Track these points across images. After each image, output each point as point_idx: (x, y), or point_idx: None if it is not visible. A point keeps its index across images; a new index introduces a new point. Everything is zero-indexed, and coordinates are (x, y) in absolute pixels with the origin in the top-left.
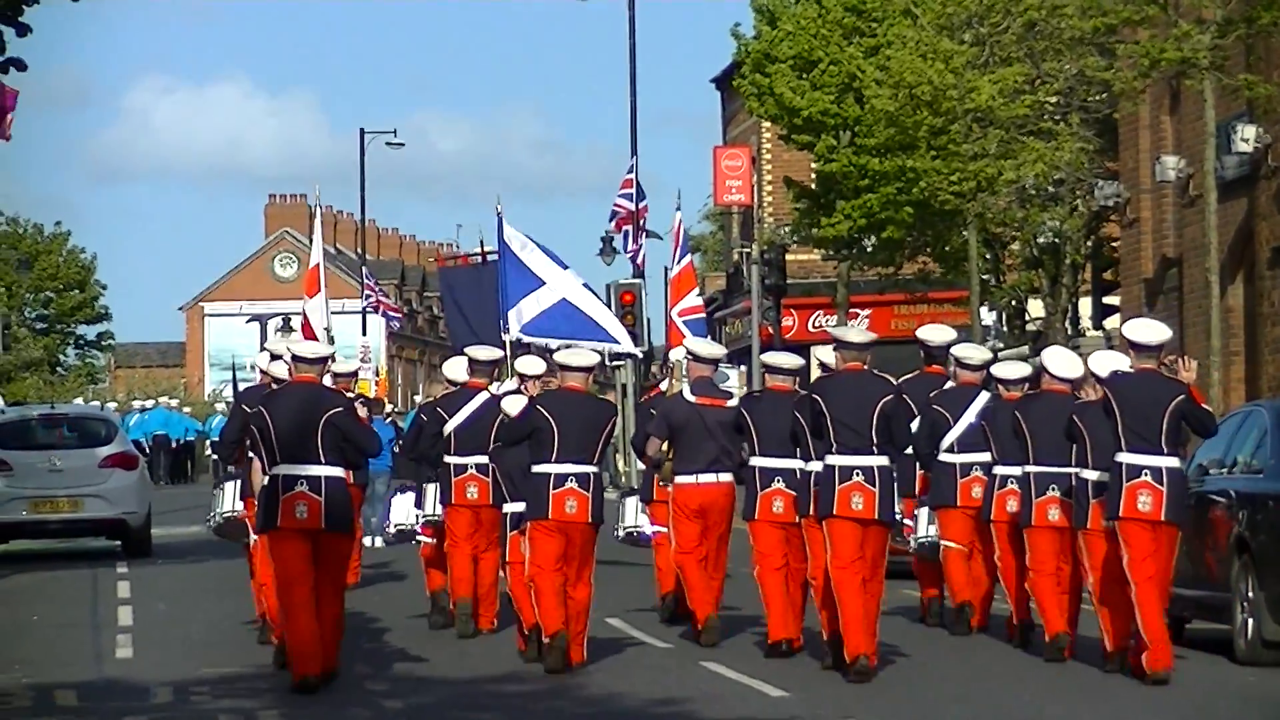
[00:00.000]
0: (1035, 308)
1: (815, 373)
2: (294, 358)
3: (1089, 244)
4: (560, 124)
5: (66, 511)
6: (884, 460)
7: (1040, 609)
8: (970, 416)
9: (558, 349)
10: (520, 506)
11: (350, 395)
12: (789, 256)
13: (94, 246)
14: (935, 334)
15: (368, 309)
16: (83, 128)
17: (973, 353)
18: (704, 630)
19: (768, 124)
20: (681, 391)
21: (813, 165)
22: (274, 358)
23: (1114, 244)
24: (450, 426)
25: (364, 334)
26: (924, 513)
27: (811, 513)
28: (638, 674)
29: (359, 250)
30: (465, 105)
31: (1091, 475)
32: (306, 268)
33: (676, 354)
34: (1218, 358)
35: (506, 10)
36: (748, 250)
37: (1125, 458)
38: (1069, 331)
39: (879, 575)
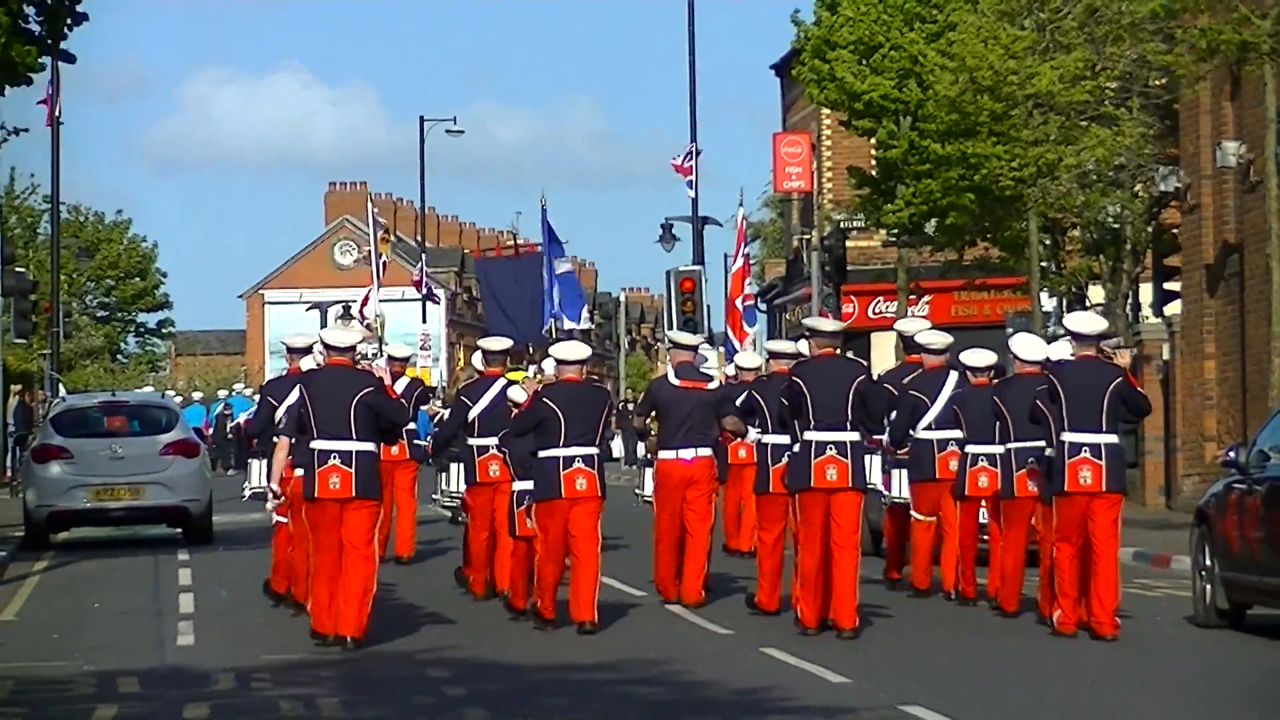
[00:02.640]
0: (1096, 294)
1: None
2: (325, 345)
3: (1149, 230)
4: (619, 113)
5: (128, 499)
6: (855, 436)
7: (1005, 578)
8: (944, 397)
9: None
10: (527, 485)
11: (412, 380)
12: (849, 243)
13: (154, 235)
14: (910, 325)
15: (426, 296)
16: (142, 118)
17: (936, 339)
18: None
19: (827, 111)
20: (666, 375)
21: (873, 151)
22: (303, 353)
23: (1175, 230)
24: (474, 413)
25: (424, 321)
26: (896, 474)
27: (775, 487)
28: (699, 660)
29: (418, 238)
30: (524, 95)
31: (1014, 447)
32: (373, 250)
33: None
34: (1279, 343)
35: (564, 1)
36: (808, 237)
37: (1068, 436)
38: (1129, 318)
39: (854, 542)
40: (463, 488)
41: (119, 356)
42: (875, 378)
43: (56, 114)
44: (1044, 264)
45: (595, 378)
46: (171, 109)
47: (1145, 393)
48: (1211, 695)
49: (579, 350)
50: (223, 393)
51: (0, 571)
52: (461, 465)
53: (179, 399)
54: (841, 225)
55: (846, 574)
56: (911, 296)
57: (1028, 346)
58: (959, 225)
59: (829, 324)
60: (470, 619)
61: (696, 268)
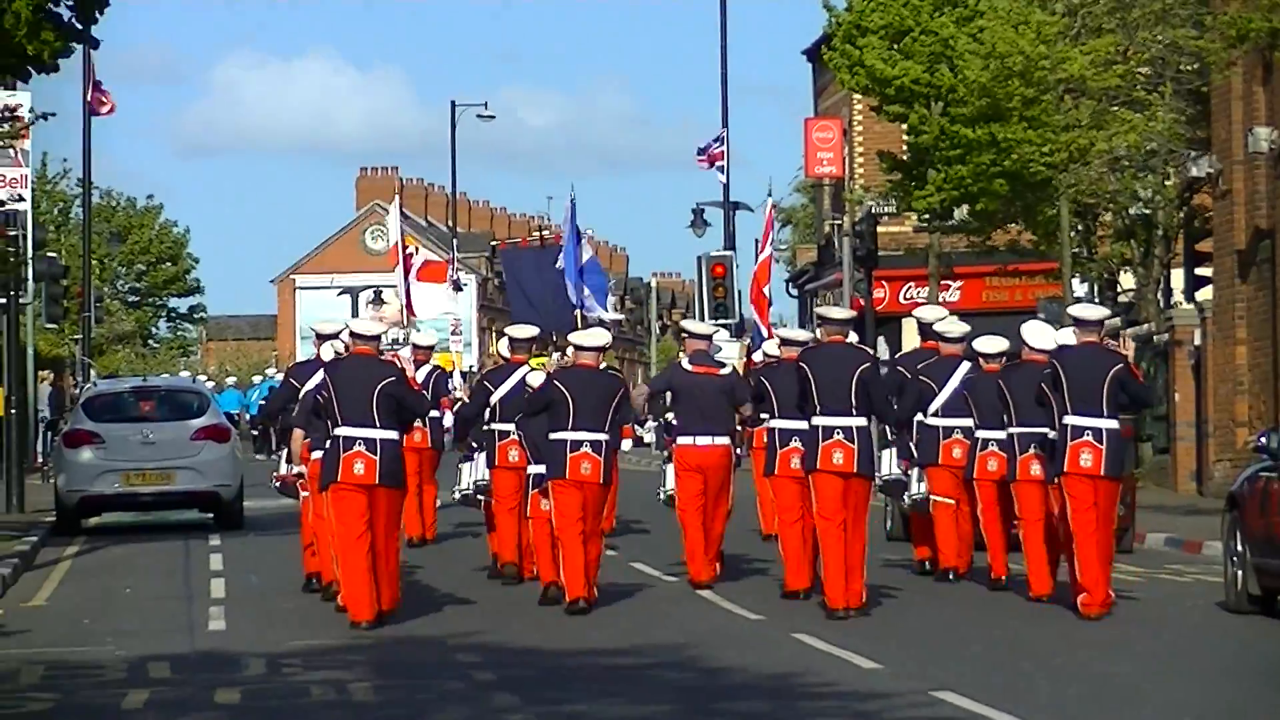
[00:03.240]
0: (1127, 280)
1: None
2: (352, 334)
3: (1181, 215)
4: (649, 98)
5: (159, 484)
6: (862, 421)
7: (1028, 559)
8: (953, 384)
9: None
10: (542, 469)
11: (434, 366)
12: (880, 229)
13: (186, 220)
14: (928, 313)
15: (457, 282)
16: (173, 103)
17: (952, 327)
18: (697, 583)
19: (859, 96)
20: (681, 361)
21: (904, 136)
22: (324, 338)
23: (1206, 215)
24: (496, 397)
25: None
26: (915, 472)
27: (783, 470)
28: (730, 646)
29: (450, 223)
30: (554, 80)
31: (1017, 431)
32: (401, 240)
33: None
34: None
35: None
36: (839, 222)
37: (1070, 420)
38: (1161, 304)
39: (861, 523)
40: (485, 475)
41: (150, 342)
42: (892, 359)
43: (94, 100)
44: (1076, 249)
45: (614, 368)
46: (202, 93)
47: (1146, 383)
48: (1243, 680)
49: (598, 337)
50: (257, 378)
51: (32, 556)
52: (482, 456)
53: (211, 384)
54: (873, 211)
55: (854, 555)
56: (944, 282)
57: (1037, 334)
58: (990, 210)
59: (838, 312)
60: (499, 604)
61: (728, 253)
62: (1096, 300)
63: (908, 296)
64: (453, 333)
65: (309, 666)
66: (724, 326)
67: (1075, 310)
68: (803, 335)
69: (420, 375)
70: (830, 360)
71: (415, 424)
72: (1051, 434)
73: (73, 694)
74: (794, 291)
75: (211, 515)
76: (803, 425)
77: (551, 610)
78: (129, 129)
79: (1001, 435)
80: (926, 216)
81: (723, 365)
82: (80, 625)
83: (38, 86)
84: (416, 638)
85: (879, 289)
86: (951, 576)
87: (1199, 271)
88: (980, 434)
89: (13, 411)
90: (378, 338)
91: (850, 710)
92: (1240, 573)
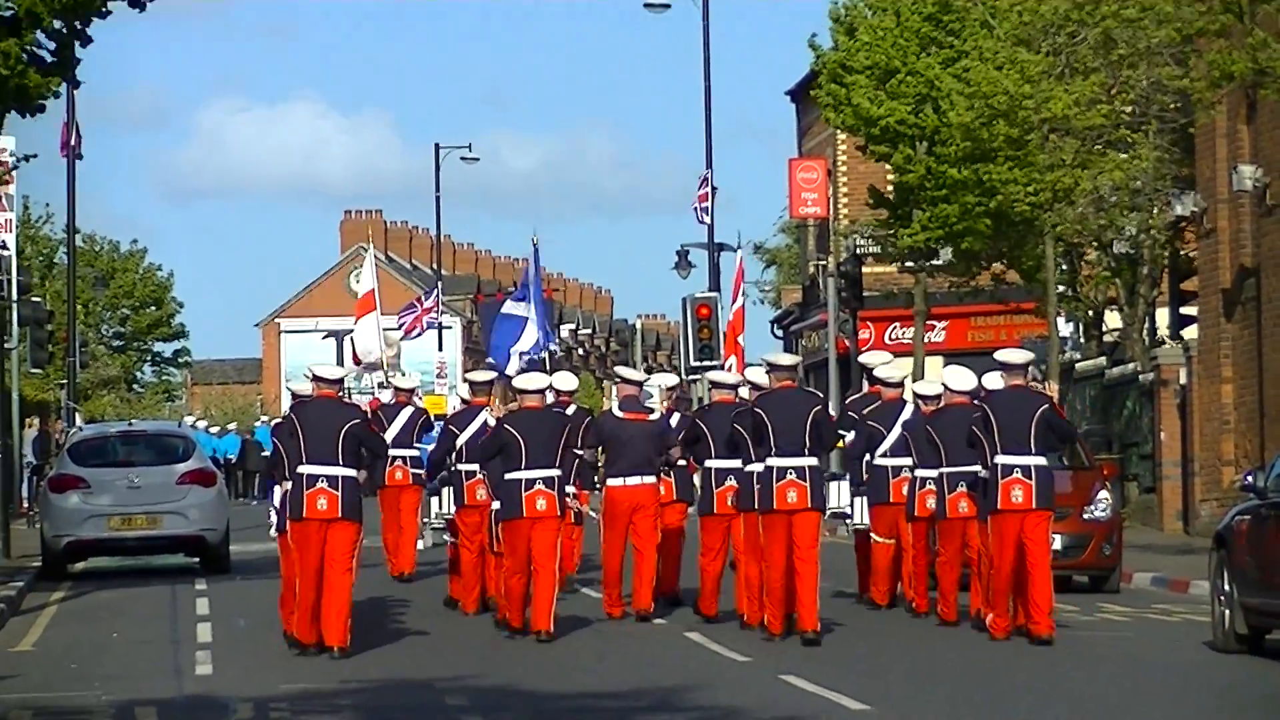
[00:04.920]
0: (1113, 319)
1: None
2: (315, 378)
3: (1166, 254)
4: (634, 140)
5: (145, 528)
6: (814, 461)
7: (941, 593)
8: (899, 427)
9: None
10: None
11: (416, 409)
12: (864, 269)
13: (170, 264)
14: (871, 359)
15: (431, 325)
16: (157, 147)
17: (892, 373)
18: (621, 615)
19: (844, 135)
20: (611, 409)
21: (889, 176)
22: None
23: (1191, 254)
24: (461, 439)
25: (440, 349)
26: (860, 502)
27: (754, 506)
28: (719, 688)
29: (434, 265)
30: (538, 123)
31: (947, 471)
32: (376, 285)
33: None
34: None
35: (579, 29)
36: (824, 263)
37: (1001, 459)
38: (1146, 342)
39: (813, 556)
40: (452, 510)
41: (135, 386)
42: (845, 402)
43: (73, 144)
44: (1061, 288)
45: (560, 406)
46: (187, 138)
47: (1069, 420)
48: (1231, 719)
49: (538, 380)
50: (232, 426)
51: (18, 602)
52: (450, 490)
53: (216, 429)
54: (858, 251)
55: (808, 584)
56: (928, 322)
57: (958, 378)
58: (975, 250)
59: (787, 358)
60: (488, 646)
61: (712, 294)
62: (1082, 339)
63: (893, 337)
64: (438, 375)
65: (296, 710)
66: (710, 368)
67: (1001, 355)
68: (732, 378)
69: (403, 417)
70: (784, 404)
71: (397, 463)
72: (984, 473)
73: None
74: (779, 332)
75: (198, 559)
76: (736, 464)
77: (540, 652)
78: (113, 173)
79: (935, 474)
80: (911, 256)
81: (650, 410)
82: (67, 670)
83: (19, 132)
84: (405, 680)
85: (864, 329)
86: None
87: (1184, 310)
88: (919, 473)
89: None
90: (340, 380)
91: None
92: (1228, 612)
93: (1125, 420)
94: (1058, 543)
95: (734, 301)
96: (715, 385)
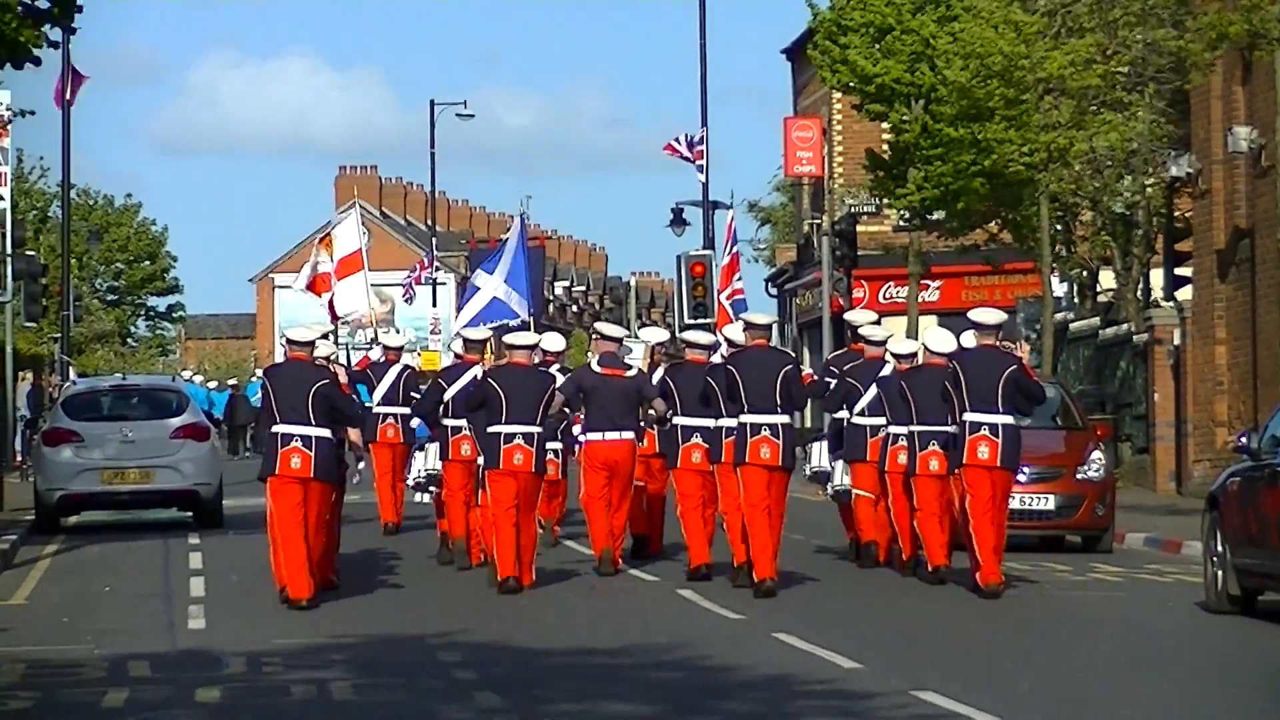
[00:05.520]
0: (1107, 279)
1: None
2: (287, 340)
3: (1161, 214)
4: (628, 98)
5: (138, 483)
6: (785, 419)
7: (926, 545)
8: (875, 387)
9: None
10: None
11: (404, 366)
12: (859, 228)
13: (164, 219)
14: (856, 317)
15: (428, 281)
16: (151, 102)
17: (875, 331)
18: (600, 561)
19: (839, 95)
20: (590, 363)
21: (884, 136)
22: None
23: (1186, 215)
24: (449, 394)
25: (434, 305)
26: (839, 465)
27: (725, 460)
28: (711, 645)
29: (429, 222)
30: (533, 79)
31: (918, 429)
32: (365, 245)
33: (648, 335)
34: None
35: None
36: (819, 222)
37: (969, 416)
38: (1141, 303)
39: (780, 511)
40: (438, 465)
41: (129, 340)
42: (827, 359)
43: (69, 93)
44: (1055, 248)
45: (545, 366)
46: (180, 93)
47: (1039, 382)
48: (1223, 680)
49: (528, 337)
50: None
51: (11, 555)
52: (433, 447)
53: (214, 384)
54: (852, 210)
55: (772, 536)
56: (923, 281)
57: (937, 339)
58: (970, 210)
59: (761, 317)
60: (479, 601)
61: (707, 252)
62: (1076, 300)
63: (887, 296)
64: (432, 331)
65: (290, 665)
66: (704, 326)
67: (974, 315)
68: (706, 338)
69: (391, 374)
70: (756, 363)
71: (389, 420)
72: (953, 430)
73: (52, 693)
74: (773, 291)
75: (191, 514)
76: (703, 422)
77: (533, 608)
78: (107, 127)
79: (906, 431)
80: (906, 216)
81: (629, 367)
82: (60, 624)
83: (12, 84)
84: (397, 636)
85: (858, 288)
86: (872, 548)
87: (1179, 271)
88: (891, 429)
89: None
90: (310, 343)
91: (835, 710)
92: (1220, 573)
93: (1119, 381)
94: (1050, 503)
95: (723, 257)
96: (689, 345)
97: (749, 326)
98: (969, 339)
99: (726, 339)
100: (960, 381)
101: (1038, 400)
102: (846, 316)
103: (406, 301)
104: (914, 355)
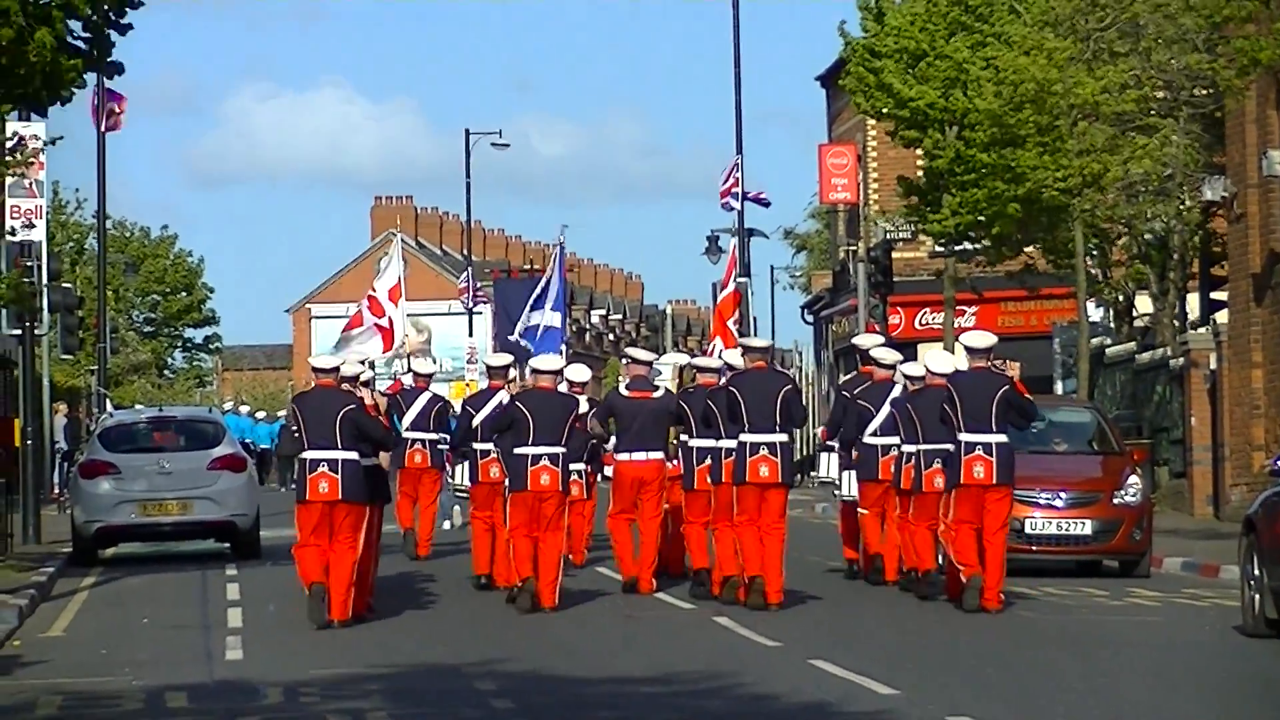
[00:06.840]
0: (1143, 303)
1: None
2: (313, 369)
3: (1197, 239)
4: (663, 126)
5: (176, 514)
6: (784, 437)
7: (916, 550)
8: (888, 407)
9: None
10: None
11: (435, 396)
12: (895, 254)
13: (200, 250)
14: (865, 340)
15: (472, 310)
16: (186, 134)
17: (884, 354)
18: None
19: (873, 121)
20: (619, 387)
21: (919, 161)
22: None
23: (1221, 239)
24: (477, 420)
25: (470, 334)
26: (848, 476)
27: (725, 480)
28: (749, 672)
29: (464, 251)
30: (567, 109)
31: (923, 448)
32: (404, 271)
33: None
34: None
35: (607, 14)
36: (854, 248)
37: (964, 436)
38: (1177, 327)
39: (781, 527)
40: (468, 484)
41: (166, 372)
42: (839, 383)
43: (109, 122)
44: (1091, 273)
45: (573, 391)
46: (215, 124)
47: (1030, 399)
48: (1261, 704)
49: (554, 362)
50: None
51: (49, 587)
52: (467, 463)
53: (263, 414)
54: (888, 236)
55: (774, 555)
56: (959, 307)
57: (937, 361)
58: (1004, 235)
59: (759, 341)
60: (514, 629)
61: (743, 280)
62: (1112, 324)
63: (923, 322)
64: (468, 361)
65: (327, 696)
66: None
67: (965, 339)
68: (715, 363)
69: (421, 401)
70: (756, 384)
71: (416, 446)
72: (921, 447)
73: None
74: (809, 318)
75: (228, 545)
76: (712, 443)
77: (568, 635)
78: (142, 159)
79: (914, 449)
80: (942, 241)
81: (657, 389)
82: (98, 655)
83: (50, 117)
84: (433, 665)
85: (894, 314)
86: (876, 562)
87: (1214, 295)
88: (905, 448)
89: (29, 442)
90: (335, 369)
91: None
92: (1257, 596)
93: (1156, 405)
94: (1088, 527)
95: (724, 286)
96: (698, 370)
97: (747, 350)
98: (961, 361)
99: (727, 364)
100: (955, 402)
101: (1031, 416)
102: (855, 341)
103: (478, 314)
104: (923, 378)
